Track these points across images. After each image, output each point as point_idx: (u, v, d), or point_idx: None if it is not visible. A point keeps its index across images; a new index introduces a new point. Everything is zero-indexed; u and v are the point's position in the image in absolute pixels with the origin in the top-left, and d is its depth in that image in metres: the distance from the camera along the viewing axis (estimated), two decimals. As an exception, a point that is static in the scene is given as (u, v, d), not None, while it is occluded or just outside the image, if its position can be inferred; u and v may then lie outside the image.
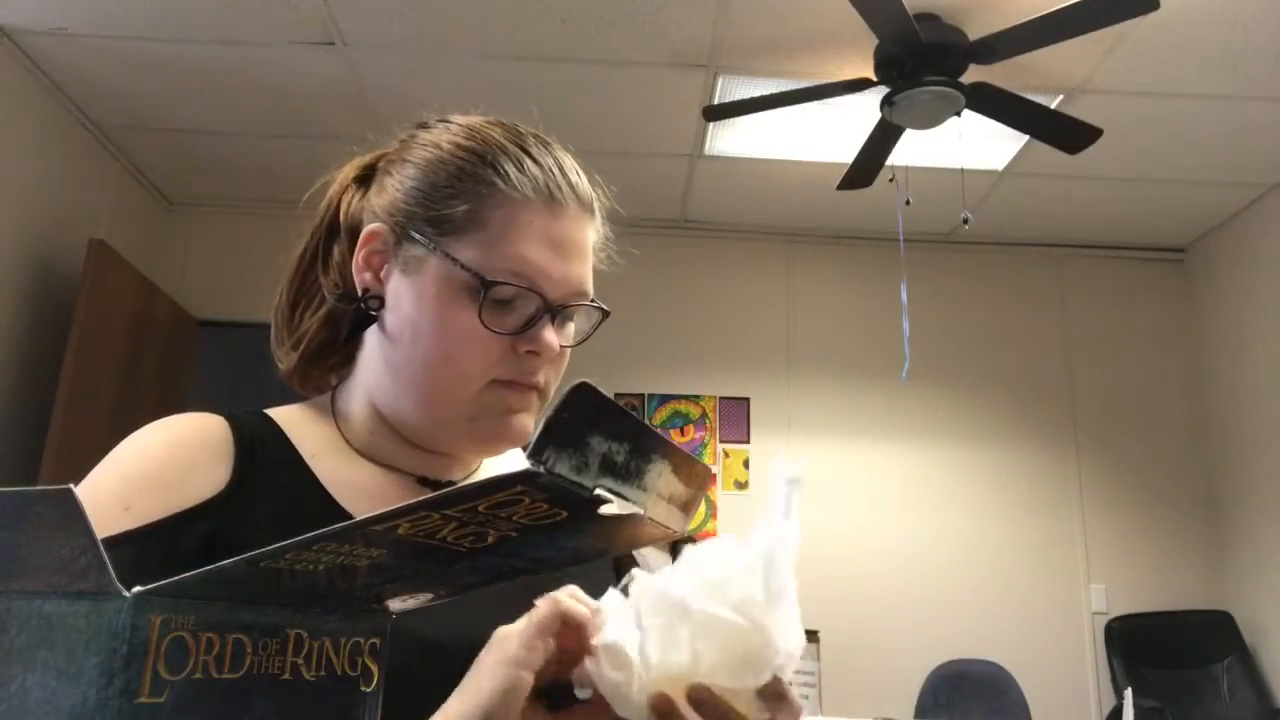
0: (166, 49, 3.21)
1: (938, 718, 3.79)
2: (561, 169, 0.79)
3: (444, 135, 0.80)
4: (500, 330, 0.74)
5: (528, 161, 0.77)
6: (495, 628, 0.57)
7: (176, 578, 0.37)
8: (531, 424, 0.79)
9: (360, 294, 0.79)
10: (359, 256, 0.79)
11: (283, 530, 0.40)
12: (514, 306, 0.75)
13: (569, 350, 0.81)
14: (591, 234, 0.81)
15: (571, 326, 0.81)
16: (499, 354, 0.75)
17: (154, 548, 0.66)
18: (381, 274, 0.79)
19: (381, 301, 0.78)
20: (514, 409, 0.78)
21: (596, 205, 0.82)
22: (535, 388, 0.78)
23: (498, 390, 0.76)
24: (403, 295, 0.77)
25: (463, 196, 0.76)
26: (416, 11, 2.99)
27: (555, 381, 0.80)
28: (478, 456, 0.84)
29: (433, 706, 0.58)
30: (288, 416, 0.81)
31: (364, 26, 3.07)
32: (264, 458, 0.75)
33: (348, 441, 0.81)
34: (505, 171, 0.76)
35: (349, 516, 0.75)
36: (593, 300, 0.80)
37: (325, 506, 0.75)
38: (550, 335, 0.76)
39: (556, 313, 0.76)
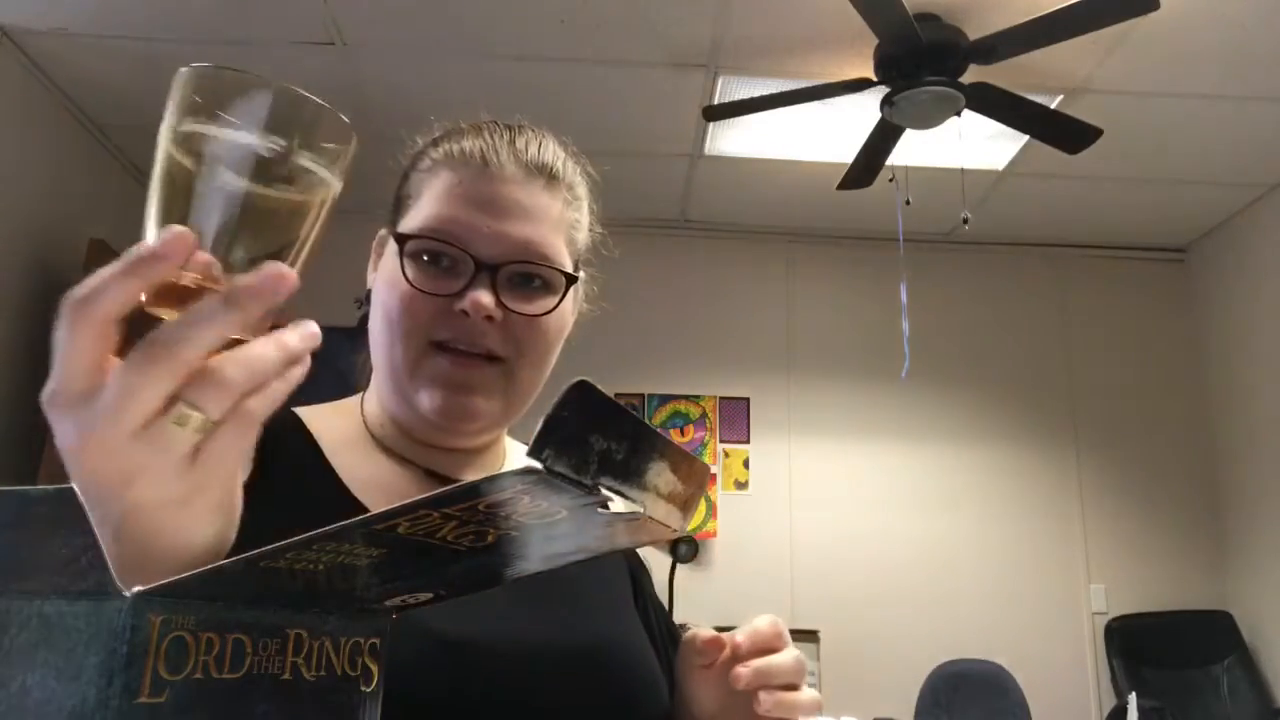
0: (166, 49, 3.20)
1: (938, 718, 3.79)
2: (512, 142, 0.78)
3: (429, 136, 0.84)
4: (430, 290, 0.74)
5: (470, 137, 0.78)
6: (502, 625, 0.57)
7: (176, 577, 0.37)
8: (482, 404, 0.76)
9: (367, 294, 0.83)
10: (371, 262, 0.84)
11: (298, 522, 0.40)
12: (452, 271, 0.74)
13: (543, 320, 0.77)
14: (549, 200, 0.78)
15: (552, 300, 0.77)
16: (432, 312, 0.74)
17: None
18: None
19: None
20: (454, 382, 0.75)
21: (566, 174, 0.80)
22: (482, 355, 0.75)
23: (438, 358, 0.75)
24: (376, 282, 0.81)
25: (408, 177, 0.80)
26: (416, 11, 2.99)
27: (521, 355, 0.77)
28: (446, 439, 0.81)
29: (439, 703, 0.58)
30: (312, 413, 0.82)
31: (364, 26, 3.07)
32: (283, 451, 0.75)
33: (371, 435, 0.82)
34: (443, 146, 0.79)
35: (365, 510, 0.75)
36: (550, 264, 0.76)
37: (341, 500, 0.75)
38: (480, 295, 0.73)
39: (494, 271, 0.74)
